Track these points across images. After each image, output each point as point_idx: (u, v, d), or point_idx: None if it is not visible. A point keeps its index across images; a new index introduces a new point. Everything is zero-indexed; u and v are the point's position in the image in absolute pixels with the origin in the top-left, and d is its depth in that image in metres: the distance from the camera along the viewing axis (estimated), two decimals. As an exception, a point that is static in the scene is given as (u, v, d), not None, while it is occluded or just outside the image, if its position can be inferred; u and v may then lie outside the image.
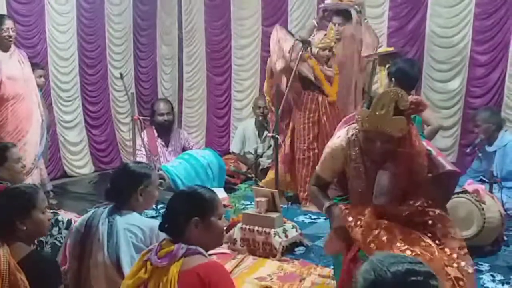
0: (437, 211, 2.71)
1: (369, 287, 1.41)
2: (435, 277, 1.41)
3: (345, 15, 5.19)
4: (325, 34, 5.14)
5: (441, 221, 2.70)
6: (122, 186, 2.78)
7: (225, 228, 2.47)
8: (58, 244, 3.25)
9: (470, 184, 4.22)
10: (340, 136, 2.86)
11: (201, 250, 2.08)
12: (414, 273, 1.39)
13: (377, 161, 2.71)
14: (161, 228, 2.17)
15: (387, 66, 4.85)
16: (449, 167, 2.77)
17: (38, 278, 2.21)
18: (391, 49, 5.32)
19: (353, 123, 2.88)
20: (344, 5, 5.17)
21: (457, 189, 4.16)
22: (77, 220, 2.99)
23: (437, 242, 2.62)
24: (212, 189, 2.32)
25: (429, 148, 2.79)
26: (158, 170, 5.07)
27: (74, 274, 2.74)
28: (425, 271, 1.41)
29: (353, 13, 5.14)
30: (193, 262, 2.02)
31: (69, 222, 3.34)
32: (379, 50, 5.23)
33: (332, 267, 3.51)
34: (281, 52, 5.11)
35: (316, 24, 5.25)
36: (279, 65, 5.09)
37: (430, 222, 2.69)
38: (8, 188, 2.48)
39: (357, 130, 2.75)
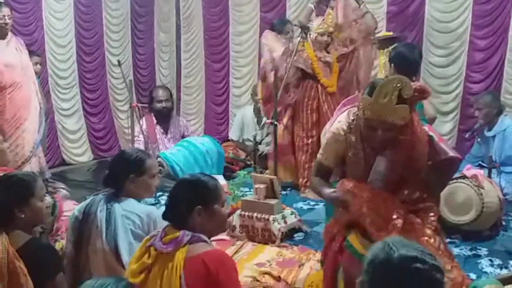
0: (428, 204, 2.72)
1: (376, 265, 1.44)
2: (442, 271, 1.43)
3: None
4: (323, 20, 5.10)
5: (427, 211, 2.72)
6: (118, 173, 2.77)
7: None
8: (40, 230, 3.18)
9: (468, 169, 4.21)
10: (341, 121, 2.83)
11: (205, 238, 2.09)
12: (420, 261, 1.40)
13: (377, 148, 2.70)
14: (165, 216, 2.17)
15: (385, 50, 4.83)
16: (451, 153, 2.76)
17: (37, 265, 2.22)
18: (390, 33, 5.28)
19: (353, 107, 2.85)
20: None
21: (456, 174, 4.17)
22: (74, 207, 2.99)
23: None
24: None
25: (431, 133, 2.77)
26: (156, 158, 5.06)
27: (71, 260, 2.74)
28: (433, 263, 1.42)
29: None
30: (198, 249, 2.04)
31: (54, 206, 3.28)
32: (378, 35, 5.19)
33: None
34: (273, 64, 5.08)
35: (313, 8, 5.20)
36: (271, 77, 5.06)
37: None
38: (6, 176, 2.46)
39: (357, 115, 2.73)
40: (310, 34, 5.11)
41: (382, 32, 5.56)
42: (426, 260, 1.41)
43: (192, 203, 2.11)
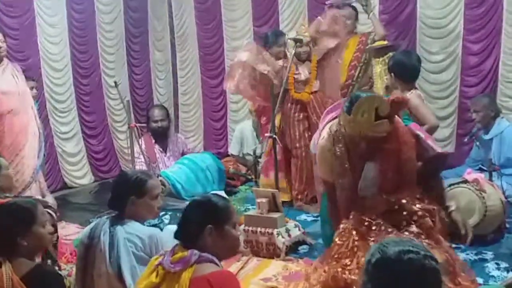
0: (427, 206, 2.72)
1: (374, 264, 1.54)
2: (435, 259, 1.53)
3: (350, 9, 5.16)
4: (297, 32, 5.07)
5: (429, 214, 2.72)
6: (119, 195, 2.78)
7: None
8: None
9: (469, 174, 4.22)
10: (324, 137, 2.84)
11: (214, 258, 2.09)
12: (412, 252, 1.51)
13: (364, 157, 2.70)
14: (176, 236, 2.17)
15: (381, 59, 4.84)
16: (439, 149, 2.78)
17: None
18: (385, 42, 5.29)
19: (335, 117, 2.86)
20: (350, 0, 5.16)
21: (457, 179, 4.18)
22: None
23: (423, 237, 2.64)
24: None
25: (417, 132, 2.78)
26: (157, 176, 5.06)
27: (79, 285, 2.75)
28: (425, 253, 1.53)
29: (359, 7, 5.12)
30: (205, 269, 2.04)
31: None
32: (373, 44, 5.19)
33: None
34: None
35: (322, 21, 5.10)
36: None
37: (418, 214, 2.70)
38: (6, 204, 2.44)
39: (341, 126, 2.74)
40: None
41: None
42: (418, 251, 1.51)
43: (202, 222, 2.12)
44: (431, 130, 3.69)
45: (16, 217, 2.32)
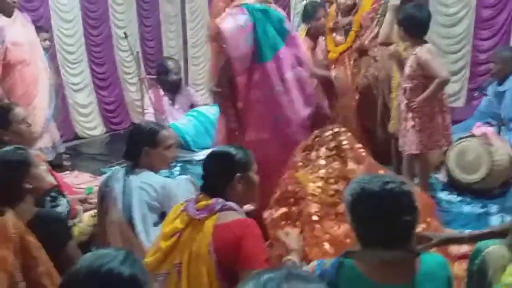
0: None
1: (356, 199, 1.70)
2: (407, 185, 1.71)
3: None
4: None
5: None
6: (133, 146, 2.83)
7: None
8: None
9: (478, 127, 4.21)
10: None
11: (236, 206, 2.16)
12: (390, 182, 1.69)
13: None
14: (202, 189, 2.22)
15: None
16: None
17: (47, 236, 2.24)
18: None
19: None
20: None
21: (465, 133, 4.18)
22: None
23: None
24: None
25: None
26: (167, 129, 5.09)
27: (99, 232, 2.85)
28: (400, 181, 1.72)
29: None
30: (228, 217, 2.10)
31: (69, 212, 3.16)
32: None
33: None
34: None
35: None
36: None
37: None
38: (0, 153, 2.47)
39: None
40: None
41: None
42: (394, 181, 1.70)
43: (230, 172, 2.18)
44: (442, 84, 3.60)
45: (15, 163, 2.36)
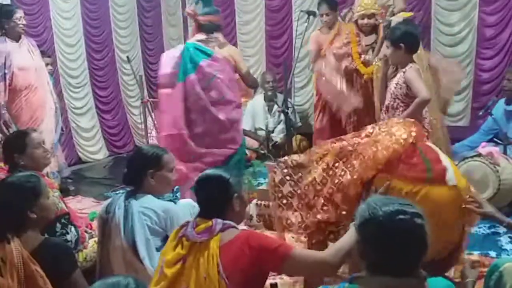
0: None
1: (364, 223, 1.63)
2: (421, 216, 1.61)
3: None
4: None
5: None
6: (135, 169, 2.81)
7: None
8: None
9: (483, 147, 4.19)
10: None
11: (234, 224, 2.19)
12: (402, 212, 1.59)
13: None
14: (201, 213, 2.24)
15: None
16: None
17: (53, 266, 2.22)
18: (410, 14, 4.96)
19: None
20: None
21: (471, 153, 4.15)
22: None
23: None
24: None
25: None
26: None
27: (99, 259, 2.81)
28: (413, 211, 1.60)
29: None
30: (230, 235, 2.12)
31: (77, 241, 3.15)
32: (395, 17, 4.95)
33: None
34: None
35: None
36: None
37: None
38: (10, 180, 2.44)
39: None
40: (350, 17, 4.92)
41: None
42: (406, 211, 1.59)
43: (228, 194, 2.23)
44: (422, 104, 3.57)
45: (23, 191, 2.34)
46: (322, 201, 2.68)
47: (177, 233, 2.22)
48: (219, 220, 2.15)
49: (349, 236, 2.14)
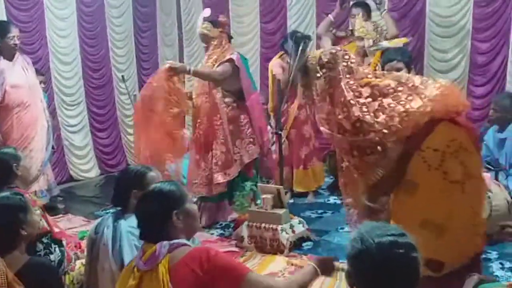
0: None
1: (356, 254, 1.58)
2: (415, 249, 1.56)
3: (364, 7, 5.15)
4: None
5: None
6: (122, 189, 2.78)
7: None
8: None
9: (476, 173, 4.19)
10: None
11: (184, 241, 2.06)
12: (397, 246, 1.54)
13: None
14: (142, 237, 2.12)
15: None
16: None
17: (37, 286, 2.19)
18: (406, 40, 4.98)
19: None
20: None
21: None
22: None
23: None
24: None
25: None
26: (165, 171, 5.05)
27: (87, 280, 2.77)
28: (407, 243, 1.56)
29: (372, 5, 5.12)
30: (179, 254, 1.99)
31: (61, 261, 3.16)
32: (390, 42, 4.97)
33: (340, 261, 3.52)
34: None
35: (332, 19, 5.22)
36: None
37: None
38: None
39: None
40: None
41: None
42: (401, 243, 1.55)
43: (167, 211, 2.07)
44: None
45: (14, 208, 2.32)
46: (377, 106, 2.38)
47: (132, 263, 2.11)
48: (164, 243, 2.01)
49: (306, 273, 2.13)
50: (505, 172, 4.61)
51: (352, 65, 2.49)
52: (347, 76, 2.44)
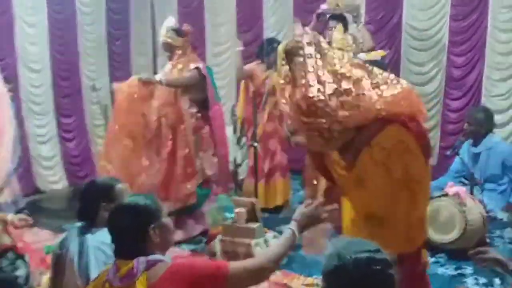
0: None
1: (332, 270, 1.55)
2: (391, 266, 1.55)
3: (341, 20, 5.11)
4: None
5: None
6: (89, 203, 2.67)
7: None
8: None
9: (451, 187, 4.19)
10: None
11: (160, 257, 1.98)
12: (374, 262, 1.52)
13: None
14: (117, 253, 2.03)
15: None
16: None
17: None
18: (384, 53, 5.10)
19: None
20: (341, 10, 5.12)
21: (438, 192, 4.14)
22: None
23: None
24: None
25: None
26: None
27: None
28: (384, 259, 1.54)
29: (349, 18, 5.10)
30: (159, 270, 1.92)
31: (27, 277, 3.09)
32: (368, 55, 4.99)
33: (315, 276, 3.44)
34: None
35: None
36: None
37: None
38: None
39: None
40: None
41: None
42: (378, 259, 1.53)
43: (144, 226, 1.99)
44: None
45: None
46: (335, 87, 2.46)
47: (102, 278, 2.02)
48: (142, 259, 1.93)
49: (284, 239, 2.16)
50: (480, 187, 4.63)
51: (324, 49, 2.57)
52: (317, 56, 2.52)
